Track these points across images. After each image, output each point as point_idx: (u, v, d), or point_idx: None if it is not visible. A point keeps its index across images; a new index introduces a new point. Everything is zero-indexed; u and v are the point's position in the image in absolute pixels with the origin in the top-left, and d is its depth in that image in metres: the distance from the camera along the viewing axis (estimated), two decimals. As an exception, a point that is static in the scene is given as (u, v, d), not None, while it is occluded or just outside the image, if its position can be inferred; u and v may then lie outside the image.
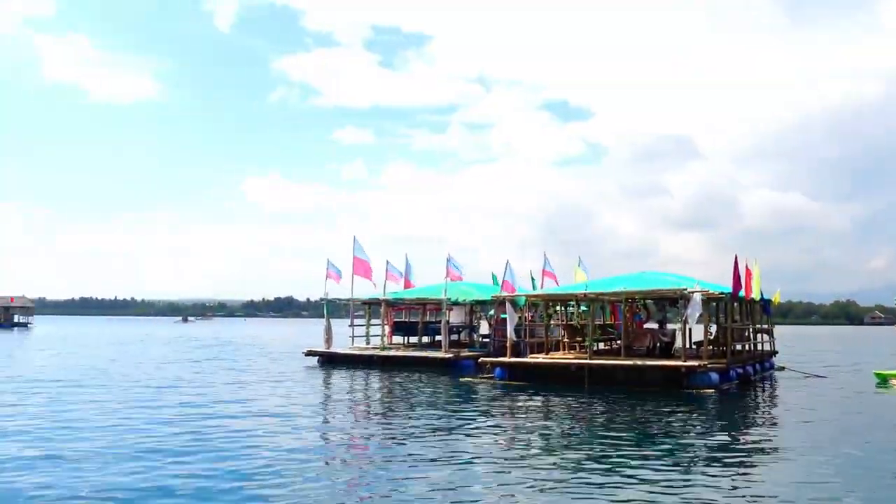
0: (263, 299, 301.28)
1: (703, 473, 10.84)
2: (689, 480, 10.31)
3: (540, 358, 25.36)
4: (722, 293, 24.23)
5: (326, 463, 11.69)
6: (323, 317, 34.27)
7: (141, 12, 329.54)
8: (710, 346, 24.12)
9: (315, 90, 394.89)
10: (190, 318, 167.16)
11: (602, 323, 31.32)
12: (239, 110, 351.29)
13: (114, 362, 33.05)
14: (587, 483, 10.10)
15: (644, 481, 10.13)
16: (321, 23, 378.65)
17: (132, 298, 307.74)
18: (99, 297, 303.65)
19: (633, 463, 11.50)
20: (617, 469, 11.06)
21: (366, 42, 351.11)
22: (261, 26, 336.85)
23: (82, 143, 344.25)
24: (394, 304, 34.91)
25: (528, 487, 9.87)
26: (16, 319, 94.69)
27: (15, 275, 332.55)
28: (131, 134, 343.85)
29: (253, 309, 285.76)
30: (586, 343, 25.37)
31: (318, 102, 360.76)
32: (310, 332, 65.76)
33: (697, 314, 22.03)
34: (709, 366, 21.94)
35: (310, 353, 33.19)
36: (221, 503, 9.10)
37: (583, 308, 30.37)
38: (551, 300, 28.68)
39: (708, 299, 23.61)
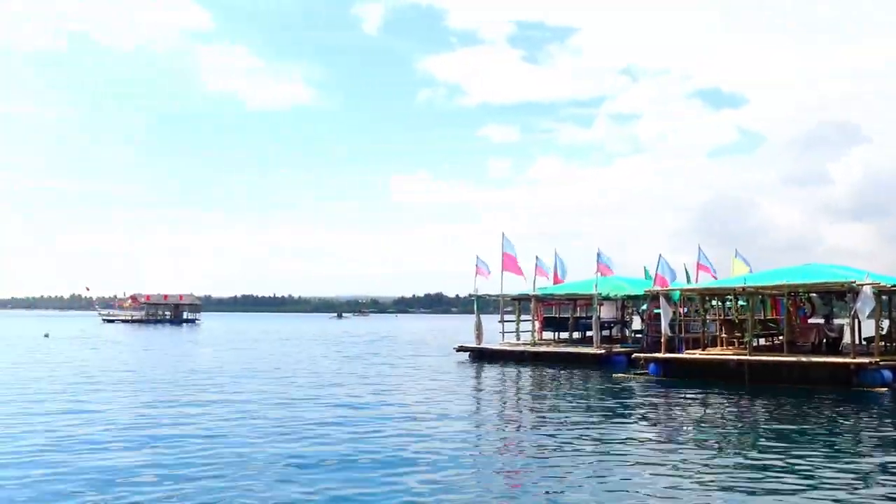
0: (414, 296, 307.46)
1: (883, 477, 10.21)
2: (865, 485, 9.73)
3: (696, 354, 24.60)
4: (894, 286, 22.74)
5: (479, 457, 11.78)
6: (472, 313, 34.55)
7: (293, 21, 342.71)
8: (883, 343, 22.69)
9: (460, 89, 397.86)
10: (344, 315, 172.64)
11: (762, 318, 30.04)
12: (387, 111, 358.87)
13: (284, 356, 34.64)
14: (755, 484, 9.71)
15: (814, 486, 9.64)
16: (465, 21, 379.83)
17: (289, 296, 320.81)
18: (258, 295, 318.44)
19: (803, 464, 10.95)
20: (786, 470, 10.57)
21: (510, 38, 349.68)
22: (406, 28, 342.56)
23: (242, 149, 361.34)
24: (544, 300, 34.75)
25: (689, 489, 9.60)
26: (185, 316, 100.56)
27: (184, 274, 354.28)
28: (286, 139, 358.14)
29: (404, 305, 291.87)
30: (745, 339, 24.37)
31: (463, 101, 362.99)
32: (460, 328, 66.56)
33: (868, 308, 20.75)
34: (881, 363, 20.65)
35: (461, 349, 33.56)
36: (375, 493, 9.33)
37: (741, 302, 29.22)
38: (708, 294, 27.73)
39: (879, 292, 22.21)
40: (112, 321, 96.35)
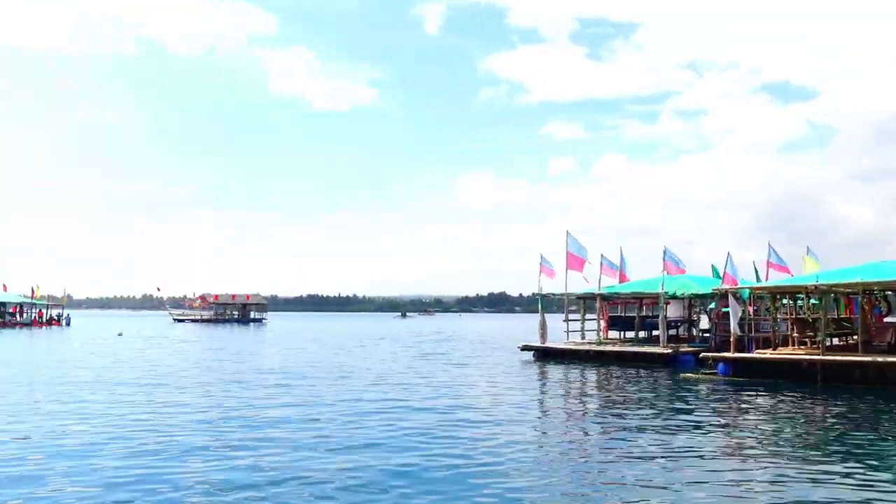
0: (477, 295, 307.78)
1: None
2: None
3: (767, 354, 24.11)
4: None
5: (544, 456, 11.74)
6: (535, 312, 34.44)
7: (355, 23, 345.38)
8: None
9: (522, 87, 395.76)
10: (409, 314, 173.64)
11: (836, 317, 29.28)
12: (449, 111, 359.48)
13: (352, 356, 35.03)
14: (830, 493, 9.49)
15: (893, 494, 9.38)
16: (526, 19, 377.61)
17: (353, 295, 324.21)
18: (324, 294, 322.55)
19: (881, 470, 10.66)
20: (862, 476, 10.31)
21: (572, 35, 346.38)
22: (467, 27, 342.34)
23: (308, 150, 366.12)
24: (609, 299, 34.44)
25: (760, 492, 9.43)
26: (252, 316, 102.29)
27: (251, 275, 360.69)
28: (350, 140, 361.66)
29: (467, 304, 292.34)
30: (818, 338, 23.79)
31: (525, 99, 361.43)
32: (523, 327, 66.32)
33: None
34: (963, 363, 19.98)
35: (525, 348, 33.49)
36: (440, 493, 9.39)
37: (813, 301, 28.54)
38: (778, 292, 27.15)
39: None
40: (182, 321, 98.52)
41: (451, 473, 10.29)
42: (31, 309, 78.22)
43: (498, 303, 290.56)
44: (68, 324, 79.03)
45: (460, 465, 10.77)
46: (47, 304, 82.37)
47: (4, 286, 74.31)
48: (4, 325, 71.04)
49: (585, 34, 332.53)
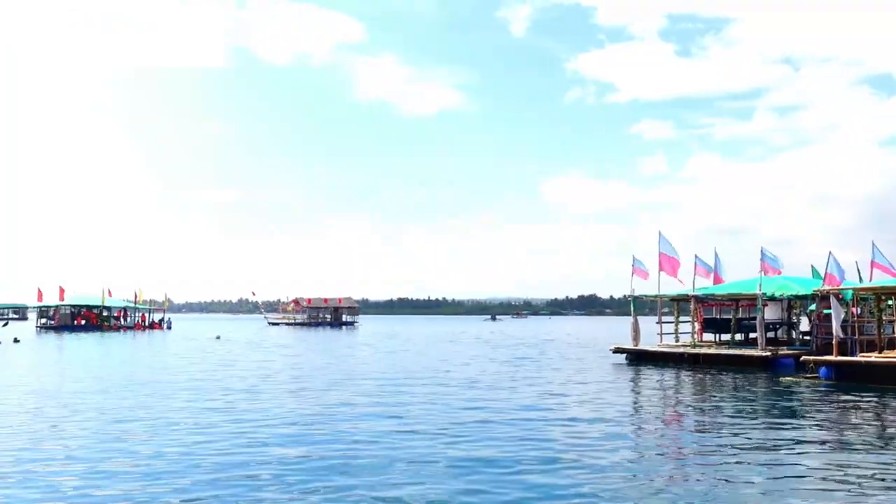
0: (567, 297, 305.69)
1: None
2: None
3: (872, 357, 23.18)
4: None
5: (638, 460, 11.56)
6: (627, 314, 33.99)
7: (441, 28, 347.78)
8: None
9: (611, 86, 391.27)
10: (498, 317, 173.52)
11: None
12: (536, 113, 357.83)
13: (446, 358, 35.26)
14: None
15: None
16: (614, 18, 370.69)
17: (443, 298, 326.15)
18: (413, 298, 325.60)
19: None
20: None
21: (661, 32, 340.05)
22: (554, 27, 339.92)
23: (396, 155, 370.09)
24: (704, 301, 33.70)
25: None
26: (344, 319, 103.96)
27: (344, 278, 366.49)
28: (437, 143, 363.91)
29: (557, 307, 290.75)
30: (928, 341, 22.76)
31: (614, 98, 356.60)
32: (614, 330, 65.51)
33: None
34: None
35: (617, 351, 33.08)
36: (536, 495, 9.35)
37: (922, 302, 27.32)
38: (884, 293, 26.07)
39: None
40: (276, 324, 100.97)
41: (542, 476, 10.25)
42: (135, 313, 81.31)
43: (588, 305, 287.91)
44: (169, 327, 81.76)
45: (550, 467, 10.72)
46: (149, 309, 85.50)
47: (109, 291, 77.40)
48: (110, 329, 74.01)
49: (675, 30, 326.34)
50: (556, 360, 33.67)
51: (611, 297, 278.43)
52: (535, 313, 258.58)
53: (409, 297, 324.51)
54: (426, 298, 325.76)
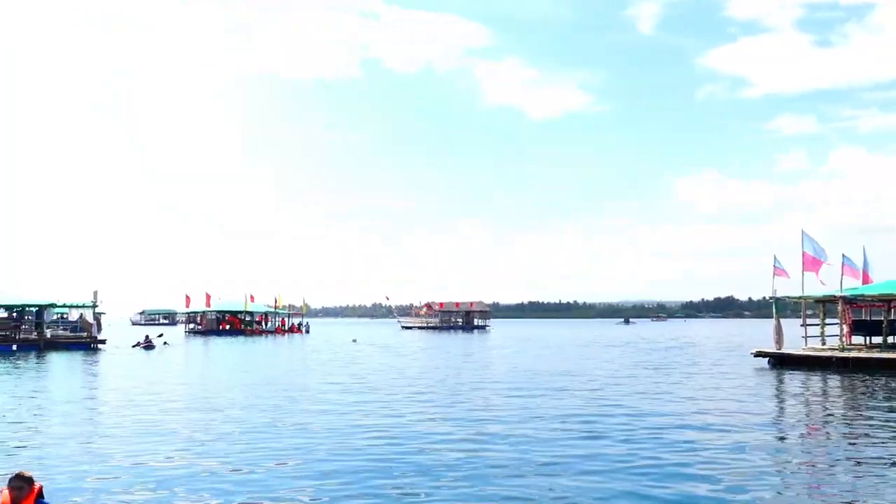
0: (702, 300, 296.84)
1: None
2: None
3: None
4: None
5: (782, 471, 11.11)
6: (766, 317, 33.04)
7: (567, 29, 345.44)
8: None
9: (745, 81, 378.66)
10: (631, 320, 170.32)
11: None
12: (667, 111, 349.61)
13: (585, 362, 35.00)
14: None
15: None
16: (746, 10, 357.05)
17: (573, 302, 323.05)
18: (543, 301, 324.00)
19: None
20: None
21: (797, 22, 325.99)
22: (683, 23, 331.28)
23: (524, 158, 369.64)
24: (852, 302, 32.05)
25: None
26: (475, 322, 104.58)
27: (474, 282, 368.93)
28: (565, 145, 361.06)
29: (692, 309, 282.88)
30: None
31: (748, 93, 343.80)
32: (754, 333, 63.16)
33: None
34: None
35: (759, 354, 31.87)
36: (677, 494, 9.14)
37: None
38: None
39: None
40: (409, 328, 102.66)
41: (683, 483, 10.04)
42: (275, 317, 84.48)
43: (725, 307, 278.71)
44: (308, 331, 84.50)
45: (690, 474, 10.49)
46: (288, 313, 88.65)
47: (251, 297, 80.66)
48: (252, 333, 77.14)
49: (813, 20, 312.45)
50: (696, 365, 32.72)
51: (749, 298, 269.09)
52: (670, 316, 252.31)
53: (539, 301, 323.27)
54: (556, 302, 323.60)
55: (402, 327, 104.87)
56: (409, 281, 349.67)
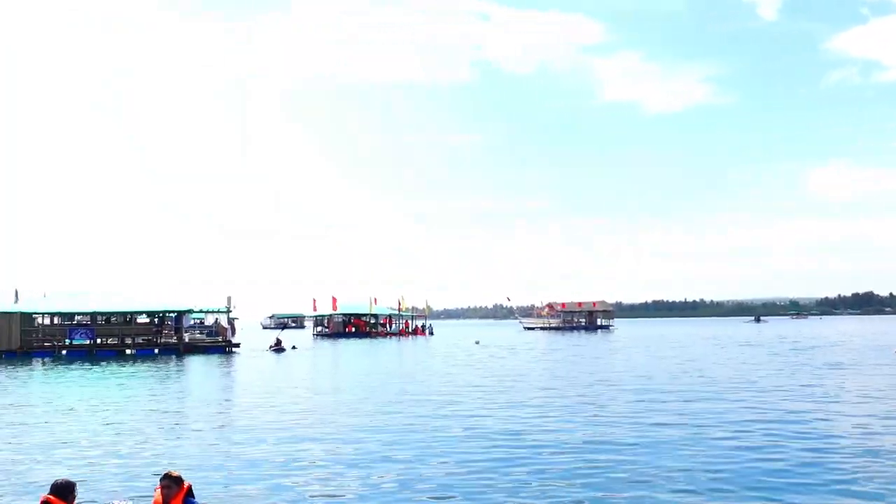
0: (839, 296, 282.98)
1: None
2: None
3: None
4: None
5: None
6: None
7: (685, 20, 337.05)
8: None
9: (878, 64, 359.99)
10: (762, 318, 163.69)
11: None
12: (793, 99, 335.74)
13: (719, 363, 33.83)
14: None
15: None
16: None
17: (700, 300, 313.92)
18: (668, 300, 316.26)
19: None
20: None
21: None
22: (808, 6, 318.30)
23: (644, 152, 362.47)
24: None
25: None
26: (599, 322, 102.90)
27: (596, 281, 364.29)
28: (686, 138, 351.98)
29: (828, 306, 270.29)
30: None
31: (883, 77, 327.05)
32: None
33: None
34: None
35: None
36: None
37: None
38: None
39: None
40: (532, 329, 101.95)
41: (836, 482, 9.39)
42: (399, 320, 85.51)
43: (864, 304, 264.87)
44: (431, 333, 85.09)
45: (845, 478, 9.87)
46: (412, 315, 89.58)
47: (375, 300, 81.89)
48: (377, 335, 78.28)
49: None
50: (841, 364, 30.97)
51: (890, 294, 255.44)
52: (801, 313, 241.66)
53: (664, 300, 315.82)
54: (682, 300, 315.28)
55: (524, 328, 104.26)
56: (531, 282, 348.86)
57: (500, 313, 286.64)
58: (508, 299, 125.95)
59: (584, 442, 13.12)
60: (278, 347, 49.31)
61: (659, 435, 13.63)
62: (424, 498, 9.53)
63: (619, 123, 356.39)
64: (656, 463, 11.19)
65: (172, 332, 48.56)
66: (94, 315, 46.78)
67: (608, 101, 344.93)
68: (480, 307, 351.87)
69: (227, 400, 21.24)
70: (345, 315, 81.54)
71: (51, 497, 7.05)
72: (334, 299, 79.07)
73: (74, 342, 44.92)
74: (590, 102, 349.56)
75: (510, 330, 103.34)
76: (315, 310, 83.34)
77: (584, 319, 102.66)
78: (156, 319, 49.32)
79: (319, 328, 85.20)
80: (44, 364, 37.05)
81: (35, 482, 10.17)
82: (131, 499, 8.88)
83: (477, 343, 59.75)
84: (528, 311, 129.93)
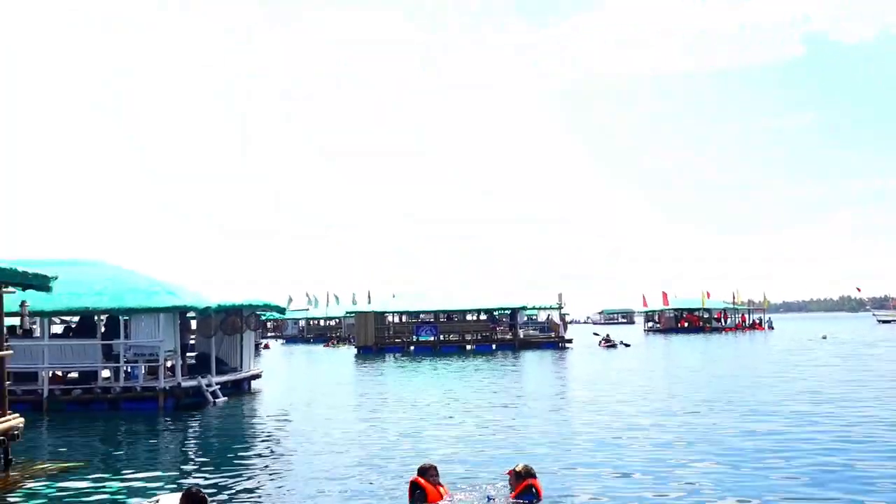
0: None
1: None
2: None
3: None
4: None
5: None
6: None
7: None
8: None
9: None
10: None
11: None
12: None
13: None
14: None
15: None
16: None
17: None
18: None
19: None
20: None
21: None
22: None
23: None
24: None
25: None
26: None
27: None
28: None
29: None
30: None
31: None
32: None
33: None
34: None
35: None
36: None
37: None
38: None
39: None
40: (888, 322, 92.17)
41: None
42: (735, 314, 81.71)
43: None
44: (771, 327, 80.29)
45: None
46: (748, 309, 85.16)
47: (708, 293, 78.78)
48: (711, 330, 75.25)
49: None
50: None
51: None
52: None
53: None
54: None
55: (879, 321, 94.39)
56: (880, 273, 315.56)
57: (847, 305, 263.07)
58: (858, 290, 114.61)
59: None
60: (609, 343, 49.16)
61: None
62: None
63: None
64: None
65: (507, 329, 50.49)
66: (436, 313, 50.30)
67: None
68: (824, 299, 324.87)
69: (596, 389, 21.88)
70: (676, 310, 79.72)
71: (418, 478, 8.00)
72: (664, 294, 77.66)
73: (420, 338, 48.72)
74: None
75: (861, 323, 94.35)
76: (645, 305, 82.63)
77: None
78: (489, 316, 51.48)
79: (650, 323, 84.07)
80: (395, 358, 40.30)
81: (408, 466, 10.85)
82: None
83: (824, 338, 54.93)
84: (882, 303, 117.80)
